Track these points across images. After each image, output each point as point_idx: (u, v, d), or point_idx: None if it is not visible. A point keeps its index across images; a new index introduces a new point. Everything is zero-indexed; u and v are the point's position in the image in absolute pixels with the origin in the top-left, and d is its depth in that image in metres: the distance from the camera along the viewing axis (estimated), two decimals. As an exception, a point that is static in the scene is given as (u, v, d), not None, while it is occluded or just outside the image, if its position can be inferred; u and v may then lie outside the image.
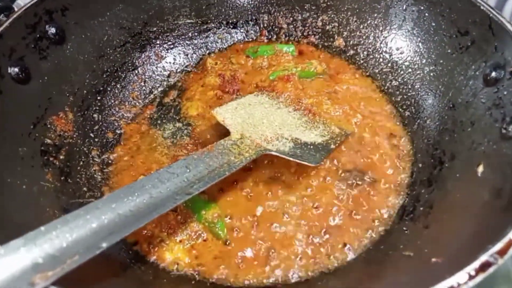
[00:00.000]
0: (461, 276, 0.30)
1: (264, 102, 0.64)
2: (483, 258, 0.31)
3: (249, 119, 0.59)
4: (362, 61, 0.73)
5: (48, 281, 0.32)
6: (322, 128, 0.61)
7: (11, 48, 0.53)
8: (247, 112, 0.60)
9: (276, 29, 0.78)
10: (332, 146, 0.59)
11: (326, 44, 0.76)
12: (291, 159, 0.54)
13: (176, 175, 0.45)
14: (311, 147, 0.57)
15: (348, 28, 0.74)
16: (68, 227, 0.36)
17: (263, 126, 0.58)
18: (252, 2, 0.77)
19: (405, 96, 0.66)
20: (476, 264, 0.31)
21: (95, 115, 0.65)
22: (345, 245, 0.52)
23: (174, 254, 0.52)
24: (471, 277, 0.30)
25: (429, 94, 0.63)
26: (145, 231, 0.53)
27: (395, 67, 0.69)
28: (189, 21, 0.76)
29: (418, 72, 0.66)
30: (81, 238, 0.35)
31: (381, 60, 0.71)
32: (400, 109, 0.66)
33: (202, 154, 0.49)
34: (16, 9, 0.58)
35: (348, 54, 0.74)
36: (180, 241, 0.53)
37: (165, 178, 0.44)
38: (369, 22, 0.72)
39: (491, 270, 0.31)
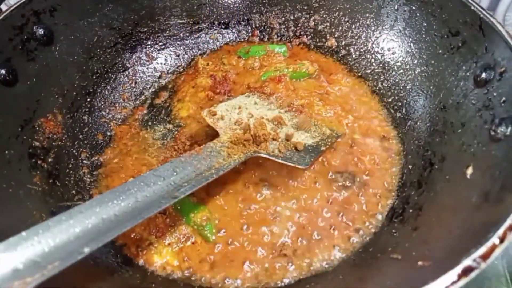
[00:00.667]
0: (443, 281, 0.30)
1: (255, 103, 0.63)
2: (466, 262, 0.31)
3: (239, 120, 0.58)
4: (354, 62, 0.72)
5: None
6: (313, 129, 0.61)
7: (-3, 50, 0.53)
8: (237, 114, 0.60)
9: (268, 29, 0.78)
10: (323, 148, 0.58)
11: (318, 44, 0.76)
12: (280, 161, 0.54)
13: (162, 178, 0.45)
14: (301, 149, 0.57)
15: (340, 28, 0.74)
16: (51, 232, 0.35)
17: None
18: (244, 2, 0.77)
19: (396, 97, 0.66)
20: (459, 268, 0.30)
21: (84, 117, 0.65)
22: (334, 247, 0.51)
23: (162, 257, 0.52)
24: (453, 282, 0.30)
25: (421, 95, 0.63)
26: (134, 234, 0.53)
27: (386, 67, 0.69)
28: (180, 21, 0.76)
29: (410, 72, 0.66)
30: (64, 243, 0.35)
31: (372, 60, 0.71)
32: (392, 110, 0.66)
33: (190, 156, 0.49)
34: (2, 11, 0.57)
35: (340, 55, 0.74)
36: (169, 244, 0.53)
37: (151, 181, 0.44)
38: (361, 22, 0.72)
39: (473, 274, 0.30)
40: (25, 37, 0.57)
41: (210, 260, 0.51)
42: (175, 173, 0.46)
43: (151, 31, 0.74)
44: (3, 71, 0.53)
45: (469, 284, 0.57)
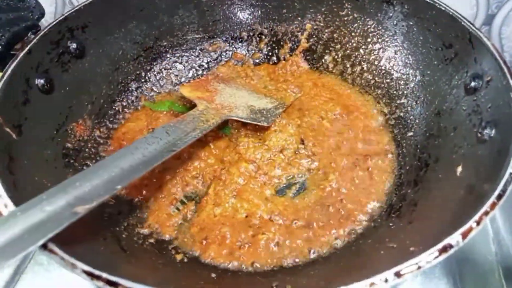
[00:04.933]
0: (427, 256, 0.36)
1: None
2: (447, 241, 0.36)
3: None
4: (357, 74, 0.78)
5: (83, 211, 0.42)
6: (270, 97, 0.74)
7: (38, 62, 0.59)
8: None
9: (276, 41, 0.84)
10: (280, 110, 0.71)
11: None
12: (248, 121, 0.66)
13: (159, 139, 0.56)
14: (264, 111, 0.69)
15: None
16: (87, 179, 0.46)
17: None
18: (254, 18, 0.83)
19: (396, 104, 0.72)
20: (440, 245, 0.36)
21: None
22: (336, 238, 0.56)
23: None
24: (435, 257, 0.35)
25: (418, 102, 0.68)
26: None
27: (388, 77, 0.74)
28: (197, 36, 0.83)
29: (408, 82, 0.71)
30: (99, 184, 0.46)
31: (374, 72, 0.76)
32: (392, 117, 0.71)
33: (177, 122, 0.60)
34: (42, 27, 0.64)
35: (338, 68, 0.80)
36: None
37: (151, 141, 0.55)
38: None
39: (452, 251, 0.36)
40: (61, 50, 0.64)
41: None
42: (168, 135, 0.57)
43: (170, 45, 0.80)
44: (42, 81, 0.60)
45: (464, 279, 0.62)
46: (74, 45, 0.66)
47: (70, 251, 0.40)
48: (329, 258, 0.54)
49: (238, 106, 0.69)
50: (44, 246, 0.38)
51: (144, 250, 0.56)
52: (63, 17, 0.64)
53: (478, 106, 0.55)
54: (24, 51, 0.58)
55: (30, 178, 0.51)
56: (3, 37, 0.62)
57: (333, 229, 0.57)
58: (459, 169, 0.53)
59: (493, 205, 0.38)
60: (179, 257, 0.56)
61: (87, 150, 0.65)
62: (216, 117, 0.64)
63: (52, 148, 0.59)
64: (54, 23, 0.63)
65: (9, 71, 0.55)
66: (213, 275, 0.53)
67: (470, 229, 0.36)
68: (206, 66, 0.84)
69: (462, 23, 0.60)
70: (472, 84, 0.57)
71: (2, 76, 0.54)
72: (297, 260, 0.55)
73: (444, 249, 0.36)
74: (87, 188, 0.44)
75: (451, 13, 0.62)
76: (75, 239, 0.45)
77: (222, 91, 0.72)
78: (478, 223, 0.37)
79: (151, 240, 0.58)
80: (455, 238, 0.36)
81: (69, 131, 0.64)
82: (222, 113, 0.66)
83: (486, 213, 0.37)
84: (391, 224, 0.56)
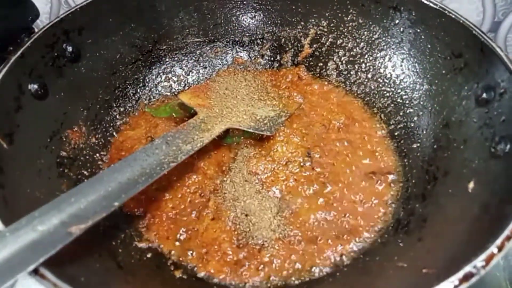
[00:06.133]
0: (446, 285, 0.33)
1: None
2: (467, 269, 0.34)
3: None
4: (362, 82, 0.76)
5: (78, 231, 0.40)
6: (272, 105, 0.71)
7: (31, 66, 0.57)
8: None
9: (279, 46, 0.82)
10: (283, 118, 0.68)
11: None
12: (250, 130, 0.63)
13: (159, 150, 0.54)
14: (266, 120, 0.66)
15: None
16: (83, 194, 0.44)
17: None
18: (256, 22, 0.81)
19: (402, 113, 0.69)
20: (460, 274, 0.33)
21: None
22: (342, 255, 0.54)
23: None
24: (455, 287, 0.33)
25: (425, 112, 0.66)
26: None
27: (393, 86, 0.72)
28: (197, 39, 0.80)
29: (415, 91, 0.69)
30: (95, 201, 0.44)
31: (380, 80, 0.74)
32: (398, 127, 0.69)
33: (177, 131, 0.58)
34: (36, 30, 0.62)
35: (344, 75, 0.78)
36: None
37: (150, 152, 0.52)
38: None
39: (473, 280, 0.33)
40: (56, 54, 0.61)
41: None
42: (168, 145, 0.54)
43: (169, 48, 0.78)
44: (35, 86, 0.57)
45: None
46: (69, 48, 0.63)
47: (63, 273, 0.37)
48: (335, 276, 0.52)
49: (239, 114, 0.67)
50: (35, 271, 0.35)
51: (141, 266, 0.53)
52: (58, 19, 0.61)
53: (490, 119, 0.53)
54: (17, 55, 0.55)
55: (22, 191, 0.49)
56: (-6, 39, 0.59)
57: (338, 245, 0.55)
58: (471, 185, 0.51)
59: (515, 229, 0.36)
60: (177, 273, 0.53)
61: (82, 158, 0.62)
62: (217, 126, 0.62)
63: (45, 157, 0.56)
64: (49, 25, 0.60)
65: (0, 76, 0.52)
66: (214, 293, 0.51)
67: (492, 256, 0.34)
68: (206, 71, 0.81)
69: (473, 32, 0.58)
70: (484, 95, 0.55)
71: (-7, 82, 0.51)
72: (301, 277, 0.53)
73: (465, 278, 0.33)
74: (83, 205, 0.42)
75: (461, 21, 0.60)
76: (68, 256, 0.42)
77: (223, 98, 0.69)
78: (500, 249, 0.35)
79: (149, 255, 0.55)
80: (476, 265, 0.34)
81: (64, 139, 0.61)
82: (223, 121, 0.63)
83: (508, 238, 0.35)
84: (399, 241, 0.53)
